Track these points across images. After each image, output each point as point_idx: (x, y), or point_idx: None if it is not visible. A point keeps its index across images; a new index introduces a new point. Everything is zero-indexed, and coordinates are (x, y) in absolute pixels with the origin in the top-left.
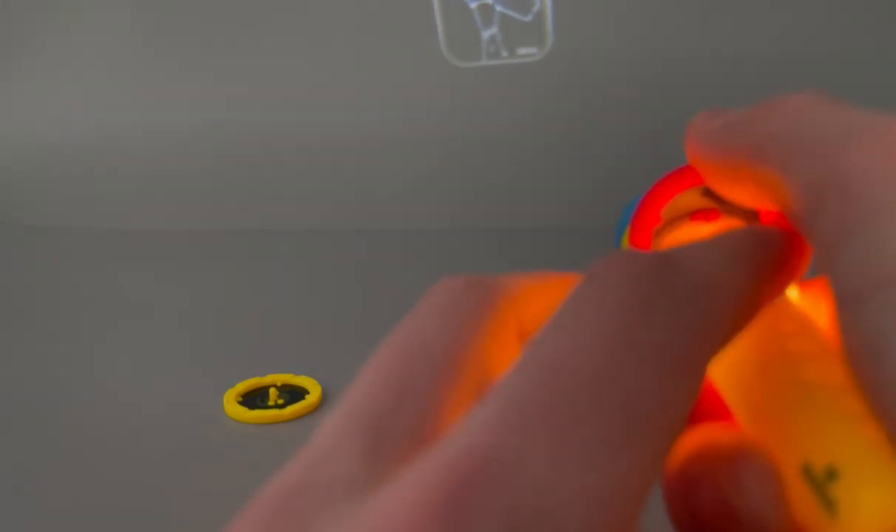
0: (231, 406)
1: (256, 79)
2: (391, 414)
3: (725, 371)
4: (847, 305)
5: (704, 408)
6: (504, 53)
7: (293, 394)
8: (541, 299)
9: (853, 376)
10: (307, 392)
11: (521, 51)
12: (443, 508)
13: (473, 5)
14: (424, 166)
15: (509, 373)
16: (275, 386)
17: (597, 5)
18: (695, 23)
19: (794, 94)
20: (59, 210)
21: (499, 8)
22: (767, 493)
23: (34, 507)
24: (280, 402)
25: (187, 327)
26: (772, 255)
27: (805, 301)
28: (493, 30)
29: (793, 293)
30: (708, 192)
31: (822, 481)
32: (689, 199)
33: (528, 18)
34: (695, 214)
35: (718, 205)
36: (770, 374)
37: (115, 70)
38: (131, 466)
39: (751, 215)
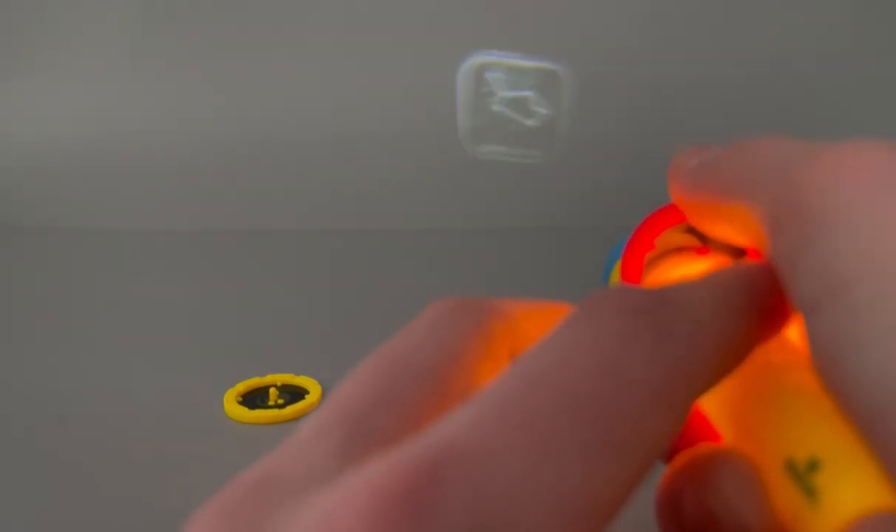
0: (231, 406)
1: (257, 80)
2: (370, 414)
3: None
4: (807, 316)
5: (695, 435)
6: (515, 152)
7: (293, 394)
8: (535, 325)
9: (822, 380)
10: (307, 392)
11: (531, 152)
12: (405, 495)
13: (494, 105)
14: (425, 166)
15: (493, 382)
16: (275, 386)
17: (597, 18)
18: (695, 35)
19: (760, 136)
20: (58, 210)
21: (507, 112)
22: (744, 493)
23: (34, 506)
24: (280, 402)
25: (187, 327)
26: (764, 296)
27: None
28: (508, 125)
29: None
30: (693, 229)
31: (804, 473)
32: (679, 234)
33: (533, 124)
34: (685, 249)
35: (706, 241)
36: (753, 383)
37: (114, 71)
38: (131, 466)
39: (738, 251)
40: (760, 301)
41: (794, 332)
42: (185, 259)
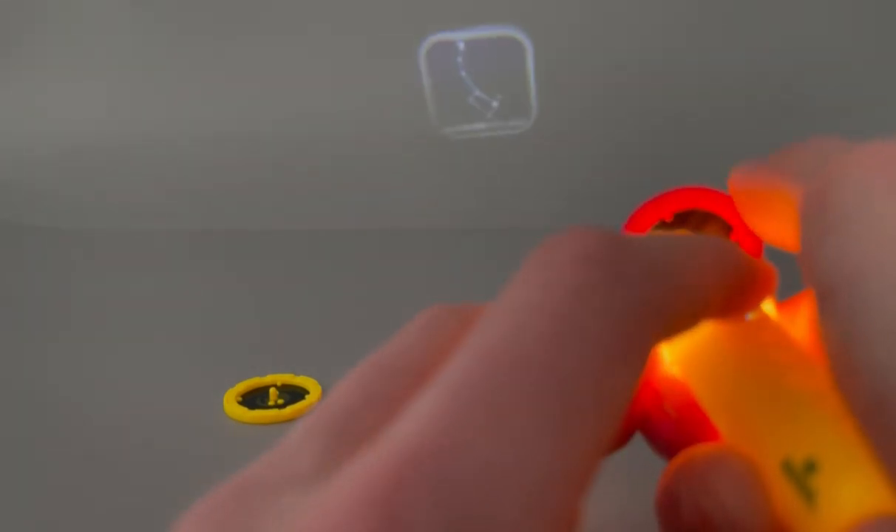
0: (231, 406)
1: (257, 80)
2: (358, 416)
3: (708, 381)
4: (822, 300)
5: (695, 434)
6: (489, 126)
7: (293, 394)
8: None
9: (829, 366)
10: (307, 392)
11: (508, 122)
12: (374, 507)
13: (463, 75)
14: (424, 166)
15: (452, 361)
16: (275, 386)
17: (600, 21)
18: (695, 29)
19: (813, 138)
20: (58, 210)
21: (477, 93)
22: (741, 495)
23: (33, 506)
24: (280, 402)
25: (187, 327)
26: (730, 262)
27: (782, 318)
28: (479, 100)
29: (771, 311)
30: (682, 221)
31: (801, 474)
32: (668, 229)
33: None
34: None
35: (693, 231)
36: (752, 381)
37: (115, 71)
38: (130, 467)
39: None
40: (724, 261)
41: (796, 331)
42: (184, 259)
